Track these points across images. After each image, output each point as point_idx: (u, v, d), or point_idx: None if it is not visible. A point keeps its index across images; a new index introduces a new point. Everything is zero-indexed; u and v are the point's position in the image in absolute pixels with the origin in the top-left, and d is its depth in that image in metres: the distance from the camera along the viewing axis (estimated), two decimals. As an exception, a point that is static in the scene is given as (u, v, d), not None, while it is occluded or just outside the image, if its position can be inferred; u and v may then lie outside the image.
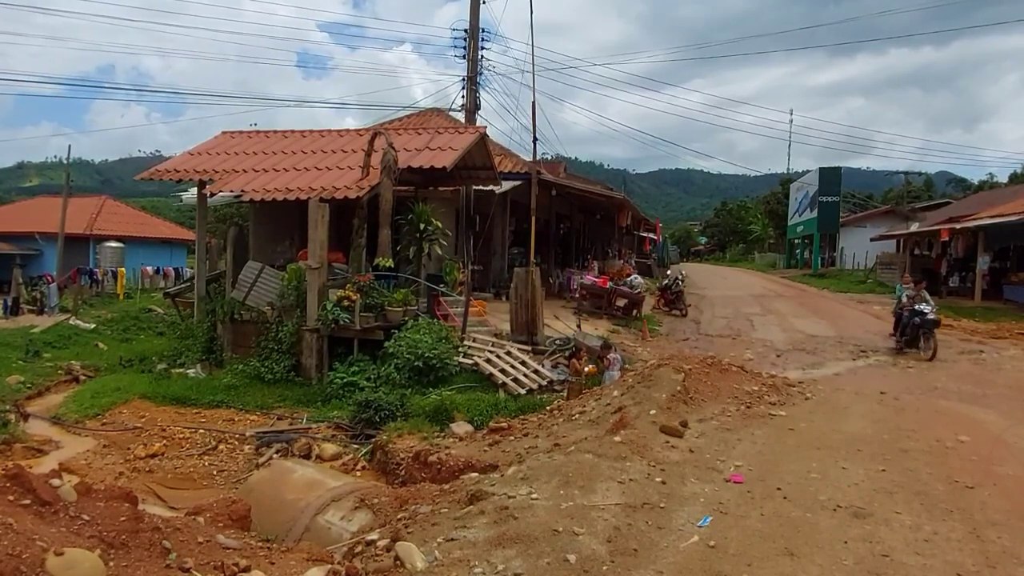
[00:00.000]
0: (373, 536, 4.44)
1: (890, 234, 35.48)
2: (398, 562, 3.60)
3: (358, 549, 4.37)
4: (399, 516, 4.92)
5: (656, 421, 6.05)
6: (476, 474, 5.73)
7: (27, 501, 3.11)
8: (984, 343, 15.77)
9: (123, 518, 3.30)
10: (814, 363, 13.37)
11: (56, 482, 3.39)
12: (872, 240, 36.69)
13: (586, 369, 10.64)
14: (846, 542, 3.87)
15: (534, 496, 4.25)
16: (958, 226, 24.66)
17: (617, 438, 5.38)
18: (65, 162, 32.55)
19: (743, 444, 5.73)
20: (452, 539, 3.80)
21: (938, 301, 24.14)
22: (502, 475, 5.00)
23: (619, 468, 4.73)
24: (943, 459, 5.53)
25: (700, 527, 3.95)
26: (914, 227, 32.53)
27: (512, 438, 7.48)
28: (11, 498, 3.07)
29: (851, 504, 4.39)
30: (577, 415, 7.48)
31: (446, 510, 4.52)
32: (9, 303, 21.66)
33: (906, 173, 52.95)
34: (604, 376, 10.65)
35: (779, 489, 4.62)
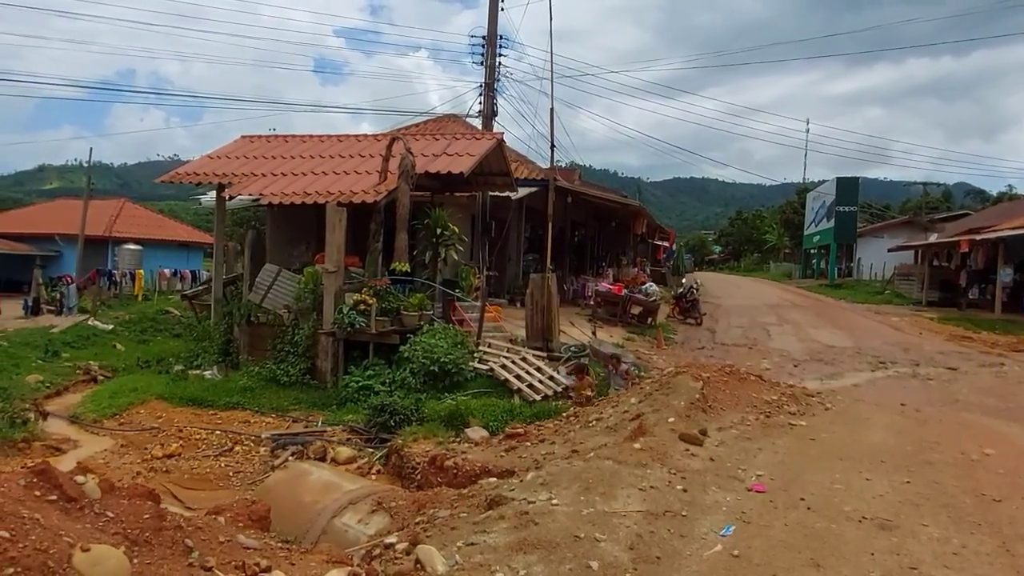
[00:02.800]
0: (391, 539, 4.42)
1: (908, 245, 35.16)
2: (418, 565, 3.57)
3: (376, 552, 4.35)
4: (417, 520, 4.90)
5: (675, 429, 5.99)
6: (494, 479, 5.70)
7: (53, 497, 3.12)
8: (1005, 356, 15.57)
9: (146, 516, 3.30)
10: (832, 373, 13.25)
11: (81, 479, 3.40)
12: (890, 251, 36.36)
13: (587, 392, 10.52)
14: (872, 554, 3.80)
15: (554, 502, 4.21)
16: (978, 237, 24.40)
17: (637, 445, 5.34)
18: (85, 165, 33.00)
19: (764, 453, 5.66)
20: (472, 543, 3.77)
21: (957, 313, 24.00)
22: (521, 480, 4.96)
23: (640, 475, 4.68)
24: (969, 471, 5.44)
25: (723, 536, 3.90)
26: (933, 238, 32.22)
27: (528, 444, 7.44)
28: (38, 494, 3.08)
29: (876, 516, 4.32)
30: (594, 422, 7.42)
31: (465, 514, 4.49)
32: (29, 303, 21.95)
33: (924, 184, 52.56)
34: (611, 388, 10.59)
35: (802, 499, 4.56)
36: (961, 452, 5.99)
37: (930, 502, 4.63)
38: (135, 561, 2.96)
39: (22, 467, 5.16)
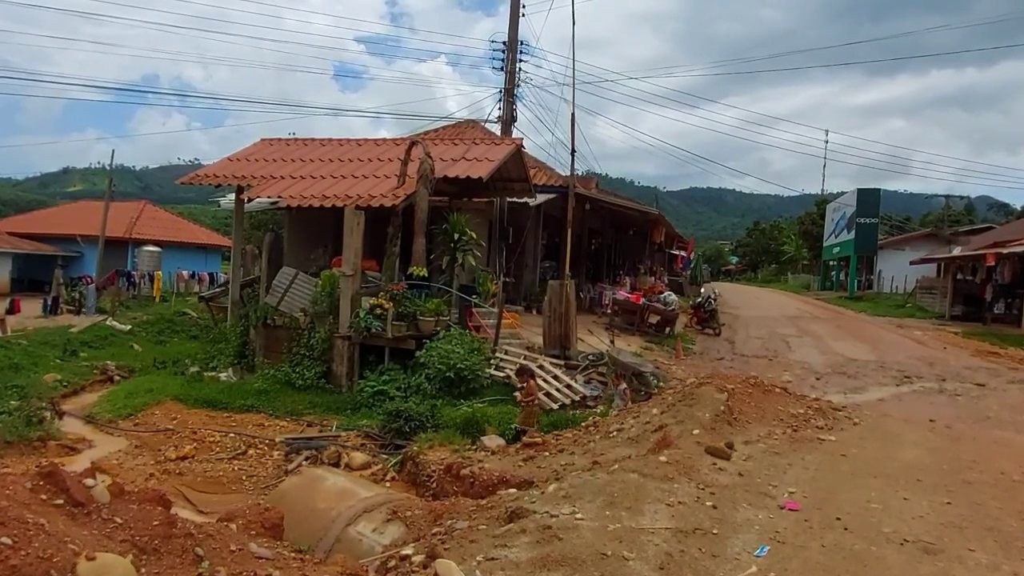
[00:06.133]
0: (408, 551, 4.26)
1: (931, 257, 34.55)
2: (437, 580, 3.41)
3: (392, 564, 4.19)
4: (434, 531, 4.73)
5: (700, 441, 5.80)
6: (513, 490, 5.53)
7: (60, 501, 3.00)
8: (1035, 372, 15.11)
9: (156, 522, 3.17)
10: (856, 387, 12.92)
11: (90, 482, 3.28)
12: (912, 263, 35.75)
13: (529, 399, 9.51)
14: (917, 580, 3.59)
15: (578, 516, 4.04)
16: (1005, 251, 23.88)
17: (662, 458, 5.15)
18: (108, 167, 33.33)
19: (794, 469, 5.45)
20: (493, 558, 3.60)
21: (982, 328, 23.48)
22: (542, 492, 4.79)
23: (667, 490, 4.50)
24: (1011, 493, 5.18)
25: (757, 556, 3.70)
26: (956, 251, 31.63)
27: (547, 454, 7.27)
28: (44, 497, 2.96)
29: (918, 538, 4.10)
30: (615, 432, 7.24)
31: (484, 527, 4.32)
32: (49, 302, 22.11)
33: (947, 196, 51.72)
34: (613, 406, 10.14)
35: (839, 519, 4.34)
36: (1001, 472, 5.73)
37: (974, 525, 4.40)
38: (143, 570, 2.83)
39: (36, 467, 5.09)
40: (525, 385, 9.59)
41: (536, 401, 9.61)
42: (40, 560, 2.42)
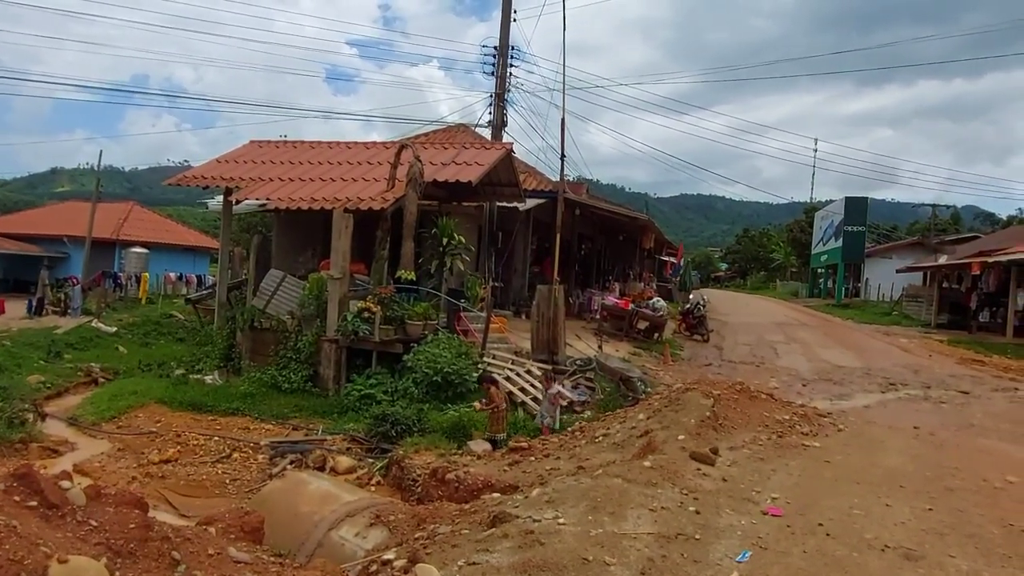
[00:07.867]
0: (389, 555, 4.23)
1: (918, 266, 34.82)
2: (417, 585, 3.39)
3: (373, 568, 4.16)
4: (416, 535, 4.71)
5: (685, 447, 5.80)
6: (498, 495, 5.50)
7: (34, 503, 2.96)
8: (1017, 380, 15.25)
9: (132, 525, 3.14)
10: (842, 394, 12.99)
11: (66, 484, 3.24)
12: (898, 272, 36.02)
13: (492, 409, 9.51)
14: (897, 586, 3.60)
15: (561, 521, 4.02)
16: (991, 260, 24.10)
17: (647, 463, 5.15)
18: (96, 168, 33.05)
19: (778, 475, 5.46)
20: (474, 563, 3.58)
21: (967, 336, 23.69)
22: (526, 497, 4.77)
23: (650, 495, 4.49)
24: (993, 500, 5.21)
25: (739, 562, 3.70)
26: (943, 259, 31.90)
27: (533, 458, 7.24)
28: (17, 499, 2.92)
29: (900, 545, 4.11)
30: (600, 437, 7.24)
31: (467, 531, 4.30)
32: (34, 303, 21.87)
33: (933, 205, 52.16)
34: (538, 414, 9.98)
35: (821, 525, 4.35)
36: (983, 479, 5.77)
37: (955, 531, 4.41)
38: (117, 574, 2.79)
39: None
40: (487, 393, 9.57)
41: (501, 407, 9.58)
42: (11, 562, 2.38)
